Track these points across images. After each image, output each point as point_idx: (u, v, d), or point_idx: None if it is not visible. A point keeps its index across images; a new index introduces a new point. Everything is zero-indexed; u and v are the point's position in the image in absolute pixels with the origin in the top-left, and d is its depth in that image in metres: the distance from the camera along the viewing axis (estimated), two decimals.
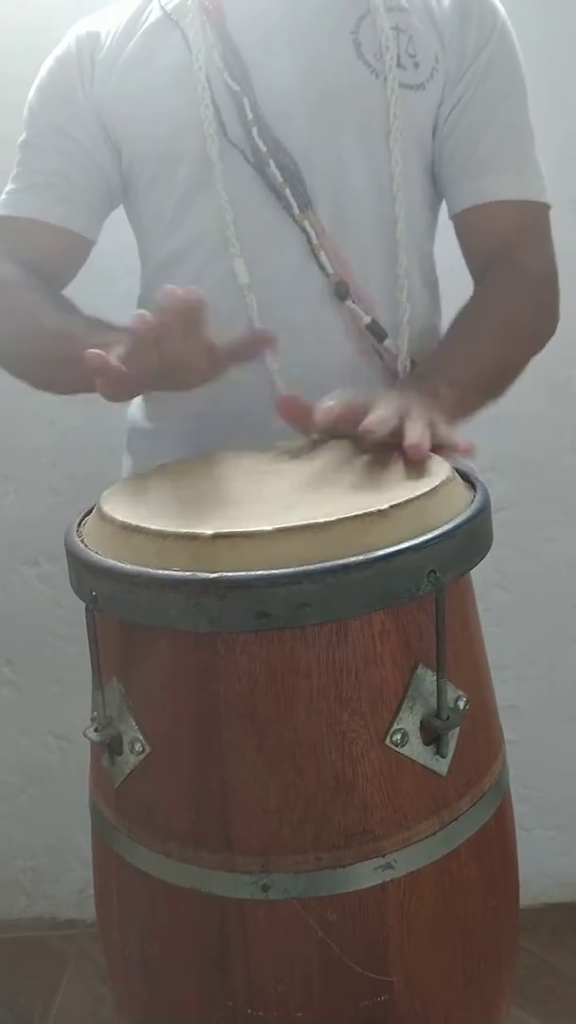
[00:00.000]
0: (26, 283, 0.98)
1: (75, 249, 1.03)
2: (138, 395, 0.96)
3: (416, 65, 0.94)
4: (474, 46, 0.95)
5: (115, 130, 0.98)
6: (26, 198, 1.00)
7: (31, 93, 1.02)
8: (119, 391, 0.76)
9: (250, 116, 0.92)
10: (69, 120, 0.98)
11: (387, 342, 0.97)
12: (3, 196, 1.02)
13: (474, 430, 0.96)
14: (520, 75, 0.98)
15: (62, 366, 0.92)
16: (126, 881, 0.70)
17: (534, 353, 1.00)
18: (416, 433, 0.73)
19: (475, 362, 0.93)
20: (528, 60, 0.99)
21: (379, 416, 0.75)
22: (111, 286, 1.16)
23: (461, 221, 1.00)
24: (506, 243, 0.99)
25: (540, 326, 1.00)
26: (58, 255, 1.02)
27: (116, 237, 1.06)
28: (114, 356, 0.73)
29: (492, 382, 0.96)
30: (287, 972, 0.65)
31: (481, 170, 0.97)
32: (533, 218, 0.99)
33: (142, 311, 0.73)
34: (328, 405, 0.77)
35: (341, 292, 0.94)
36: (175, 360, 0.76)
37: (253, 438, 0.86)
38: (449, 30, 0.95)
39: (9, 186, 1.02)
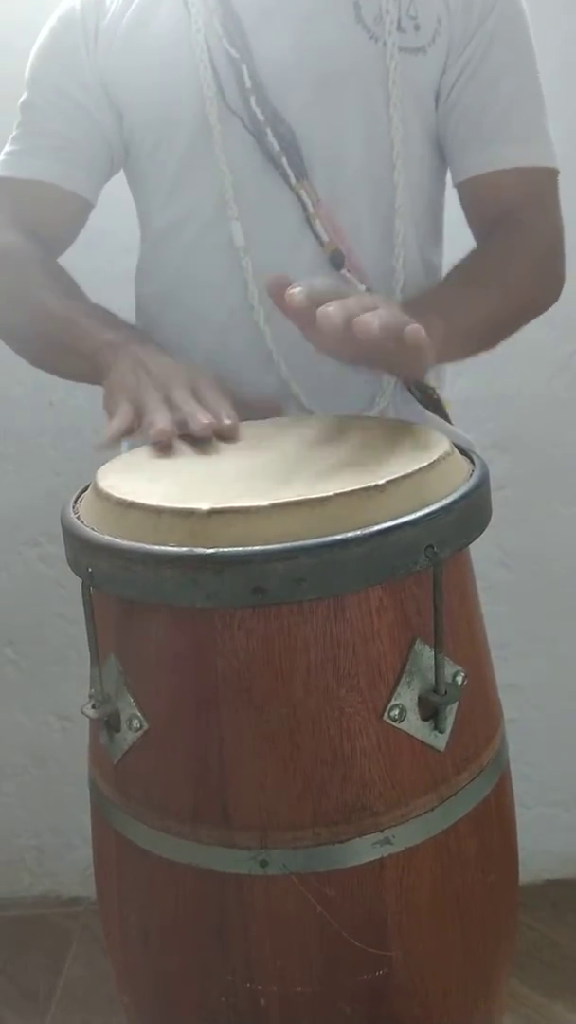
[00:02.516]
0: (31, 256, 0.97)
1: (77, 212, 1.02)
2: None
3: (417, 28, 0.92)
4: (480, 10, 0.93)
5: (117, 95, 0.97)
6: (29, 159, 0.99)
7: (33, 53, 1.00)
8: None
9: (248, 84, 0.91)
10: (72, 83, 0.97)
11: None
12: (3, 156, 1.01)
13: (476, 407, 0.95)
14: (528, 40, 0.96)
15: (62, 353, 0.92)
16: (125, 858, 0.71)
17: (532, 314, 0.98)
18: (394, 315, 0.69)
19: (467, 307, 0.91)
20: (536, 23, 0.96)
21: (341, 302, 0.69)
22: (109, 265, 1.16)
23: (465, 189, 0.99)
24: (512, 208, 0.97)
25: (540, 286, 0.99)
26: (60, 218, 1.02)
27: (112, 215, 1.05)
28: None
29: (483, 331, 0.94)
30: (286, 947, 0.65)
31: (487, 140, 0.95)
32: (540, 183, 0.98)
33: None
34: (296, 291, 0.71)
35: (336, 261, 0.94)
36: None
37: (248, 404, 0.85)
38: None
39: (10, 147, 1.00)
